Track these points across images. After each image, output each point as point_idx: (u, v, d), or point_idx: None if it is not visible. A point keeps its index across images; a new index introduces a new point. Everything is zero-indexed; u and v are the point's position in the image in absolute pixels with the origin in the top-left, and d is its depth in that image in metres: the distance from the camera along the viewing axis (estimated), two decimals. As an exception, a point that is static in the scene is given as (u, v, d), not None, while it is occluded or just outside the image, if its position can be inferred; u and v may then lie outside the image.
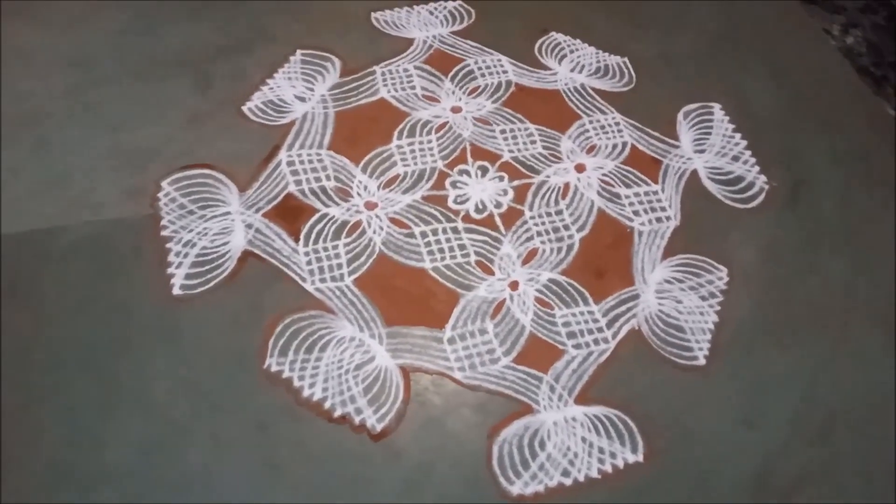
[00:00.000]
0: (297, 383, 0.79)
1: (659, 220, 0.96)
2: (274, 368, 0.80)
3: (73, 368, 0.78)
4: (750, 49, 1.17)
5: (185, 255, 0.87)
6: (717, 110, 1.08)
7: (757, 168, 1.02)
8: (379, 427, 0.77)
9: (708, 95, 1.10)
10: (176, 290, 0.84)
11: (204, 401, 0.77)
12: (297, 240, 0.90)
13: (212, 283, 0.85)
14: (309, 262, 0.88)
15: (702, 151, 1.03)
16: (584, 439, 0.78)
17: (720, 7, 1.23)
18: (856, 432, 0.81)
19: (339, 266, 0.88)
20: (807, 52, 1.18)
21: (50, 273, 0.85)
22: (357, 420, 0.77)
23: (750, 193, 1.00)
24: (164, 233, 0.89)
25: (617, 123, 1.05)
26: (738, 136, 1.05)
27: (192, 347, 0.81)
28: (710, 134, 1.05)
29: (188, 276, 0.85)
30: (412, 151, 1.00)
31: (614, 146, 1.03)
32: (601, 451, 0.77)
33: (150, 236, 0.89)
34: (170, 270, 0.86)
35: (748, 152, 1.04)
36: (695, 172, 1.01)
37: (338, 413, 0.77)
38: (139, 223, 0.90)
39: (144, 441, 0.74)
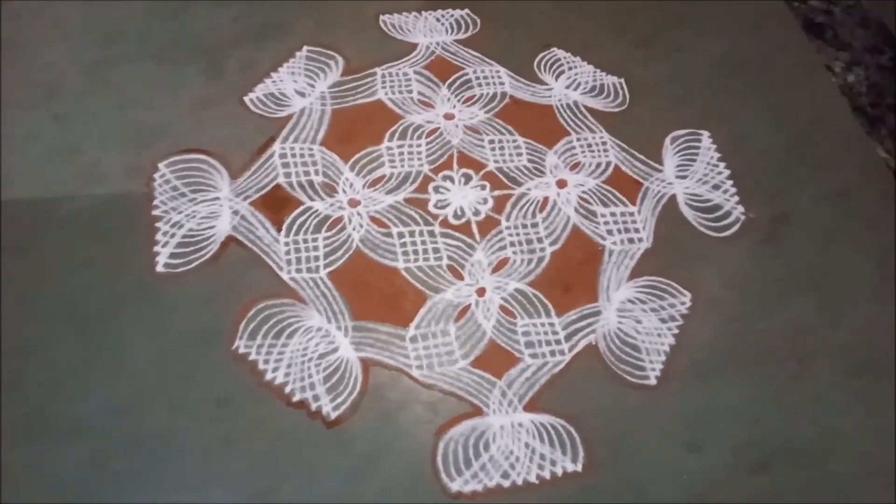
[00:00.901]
0: (261, 366, 0.83)
1: (631, 240, 0.98)
2: (242, 350, 0.84)
3: (60, 325, 0.84)
4: (750, 80, 1.19)
5: (172, 235, 0.92)
6: (706, 138, 1.10)
7: (736, 198, 1.04)
8: (334, 415, 0.81)
9: (700, 123, 1.12)
10: (159, 268, 0.89)
11: (173, 371, 0.82)
12: (279, 230, 0.94)
13: (194, 264, 0.90)
14: (288, 252, 0.92)
15: (684, 177, 1.06)
16: (527, 445, 0.81)
17: (728, 36, 1.24)
18: (799, 468, 0.83)
19: (316, 258, 0.92)
20: (806, 88, 1.19)
21: (51, 237, 0.91)
22: (314, 406, 0.81)
23: (725, 223, 1.02)
24: (155, 212, 0.94)
25: (604, 143, 1.08)
26: (722, 164, 1.07)
27: (169, 321, 0.86)
28: (694, 161, 1.08)
29: (172, 255, 0.90)
30: (401, 154, 1.03)
31: (598, 165, 1.05)
32: (542, 457, 0.80)
33: (143, 213, 0.94)
34: (156, 248, 0.91)
35: (730, 182, 1.06)
36: (673, 197, 1.03)
37: (297, 398, 0.82)
38: (136, 200, 0.95)
39: (115, 400, 0.80)
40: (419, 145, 1.05)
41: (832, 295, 0.96)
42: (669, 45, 1.22)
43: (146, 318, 0.86)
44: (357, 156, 1.03)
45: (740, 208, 1.03)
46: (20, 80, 1.04)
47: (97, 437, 0.77)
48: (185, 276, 0.89)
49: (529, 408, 0.84)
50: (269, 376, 0.83)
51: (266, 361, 0.84)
